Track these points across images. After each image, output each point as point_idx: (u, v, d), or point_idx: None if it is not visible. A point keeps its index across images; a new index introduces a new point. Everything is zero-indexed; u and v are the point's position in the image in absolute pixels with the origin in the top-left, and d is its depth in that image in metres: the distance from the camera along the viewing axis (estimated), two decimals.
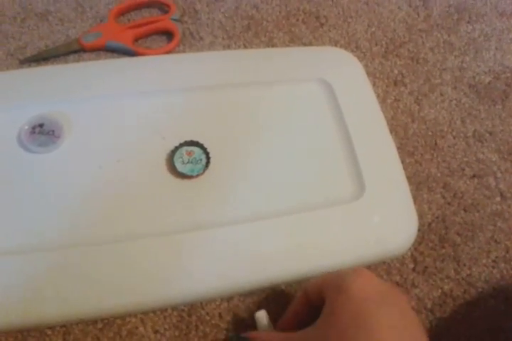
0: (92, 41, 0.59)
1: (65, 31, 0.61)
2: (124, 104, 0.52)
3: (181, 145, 0.50)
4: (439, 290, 0.49)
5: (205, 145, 0.50)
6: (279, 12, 0.65)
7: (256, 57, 0.59)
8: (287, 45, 0.63)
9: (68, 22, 0.62)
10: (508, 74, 0.64)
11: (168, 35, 0.62)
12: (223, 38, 0.63)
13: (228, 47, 0.62)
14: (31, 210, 0.46)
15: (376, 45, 0.64)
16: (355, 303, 0.34)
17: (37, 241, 0.44)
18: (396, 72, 0.62)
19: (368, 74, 0.59)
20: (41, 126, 0.50)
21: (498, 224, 0.53)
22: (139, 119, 0.52)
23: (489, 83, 0.63)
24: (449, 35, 0.66)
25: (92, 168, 0.49)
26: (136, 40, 0.61)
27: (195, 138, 0.50)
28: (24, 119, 0.49)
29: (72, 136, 0.50)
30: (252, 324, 0.43)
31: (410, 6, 0.68)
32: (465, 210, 0.53)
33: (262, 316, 0.41)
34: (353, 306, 0.34)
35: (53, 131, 0.49)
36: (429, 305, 0.48)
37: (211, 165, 0.49)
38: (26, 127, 0.49)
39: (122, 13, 0.63)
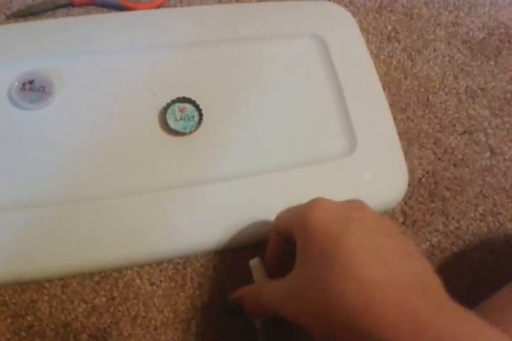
0: None
1: None
2: (115, 60, 0.52)
3: (173, 101, 0.50)
4: (428, 243, 0.50)
5: (198, 102, 0.50)
6: None
7: (248, 11, 0.58)
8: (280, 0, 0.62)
9: None
10: (502, 30, 0.63)
11: None
12: None
13: (220, 1, 0.61)
14: (23, 167, 0.46)
15: (370, 0, 0.63)
16: (319, 239, 0.33)
17: (32, 197, 0.45)
18: (390, 27, 0.62)
19: (362, 29, 0.58)
20: (31, 82, 0.49)
21: (487, 179, 0.54)
22: (131, 76, 0.52)
23: (483, 39, 0.62)
24: None
25: (85, 124, 0.49)
26: None
27: (187, 95, 0.50)
28: (13, 76, 0.49)
29: (63, 92, 0.50)
30: (246, 273, 0.44)
31: None
32: (455, 165, 0.54)
33: (256, 264, 0.42)
34: (318, 242, 0.33)
35: (44, 87, 0.49)
36: None
37: (204, 122, 0.49)
38: (16, 83, 0.48)
39: None
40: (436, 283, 0.31)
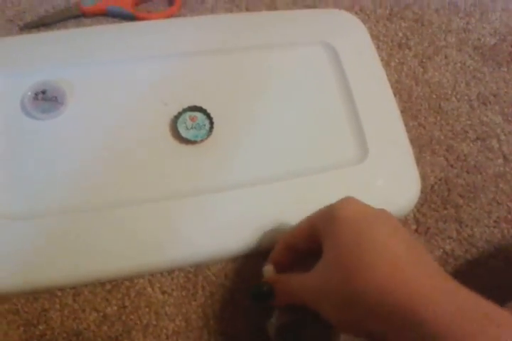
0: (92, 6, 0.58)
1: None
2: (126, 70, 0.52)
3: (184, 110, 0.50)
4: (441, 250, 0.50)
5: (209, 111, 0.50)
6: None
7: (259, 20, 0.59)
8: (290, 8, 0.62)
9: None
10: None
11: None
12: (225, 1, 0.62)
13: (230, 10, 0.61)
14: (34, 176, 0.46)
15: (380, 7, 0.63)
16: (350, 226, 0.35)
17: (44, 206, 0.45)
18: (400, 34, 0.62)
19: (372, 37, 0.59)
20: (44, 92, 0.50)
21: (500, 185, 0.53)
22: (142, 85, 0.52)
23: (494, 45, 0.62)
24: None
25: (96, 134, 0.49)
26: (136, 4, 0.60)
27: (198, 104, 0.50)
28: (26, 86, 0.49)
29: (74, 102, 0.50)
30: (258, 281, 0.44)
31: None
32: (468, 172, 0.54)
33: (269, 270, 0.42)
34: (348, 229, 0.35)
35: (56, 97, 0.50)
36: None
37: (215, 131, 0.49)
38: (29, 93, 0.49)
39: None
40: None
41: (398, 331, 0.31)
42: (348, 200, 0.38)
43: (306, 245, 0.40)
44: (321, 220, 0.38)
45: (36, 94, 0.49)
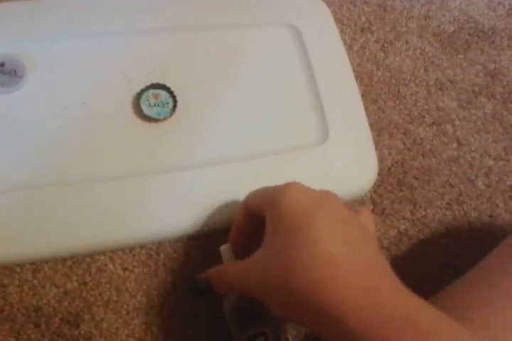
0: None
1: None
2: (89, 45, 0.51)
3: (148, 88, 0.49)
4: (396, 230, 0.52)
5: (172, 89, 0.50)
6: None
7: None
8: None
9: None
10: (472, 25, 0.65)
11: None
12: None
13: None
14: None
15: None
16: (290, 219, 0.34)
17: (3, 181, 0.44)
18: (363, 19, 0.63)
19: (336, 20, 0.59)
20: (2, 65, 0.48)
21: (454, 169, 0.55)
22: (105, 60, 0.51)
23: (453, 32, 0.64)
24: None
25: (57, 109, 0.48)
26: None
27: (161, 81, 0.50)
28: None
29: (35, 76, 0.49)
30: (218, 259, 0.44)
31: None
32: (423, 156, 0.55)
33: (226, 249, 0.42)
34: (288, 222, 0.34)
35: (15, 70, 0.48)
36: (385, 244, 0.51)
37: (178, 109, 0.49)
38: None
39: None
40: (389, 269, 0.34)
41: (327, 330, 0.32)
42: (291, 187, 0.37)
43: (254, 227, 0.40)
44: (265, 204, 0.37)
45: None
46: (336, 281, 0.31)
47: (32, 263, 0.44)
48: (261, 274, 0.35)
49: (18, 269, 0.44)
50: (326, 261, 0.32)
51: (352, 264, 0.32)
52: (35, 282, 0.44)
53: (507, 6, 0.67)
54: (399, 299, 0.31)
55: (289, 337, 0.45)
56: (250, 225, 0.41)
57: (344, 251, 0.33)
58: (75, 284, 0.44)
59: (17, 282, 0.43)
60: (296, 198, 0.35)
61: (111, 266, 0.45)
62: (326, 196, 0.37)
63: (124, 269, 0.45)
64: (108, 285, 0.45)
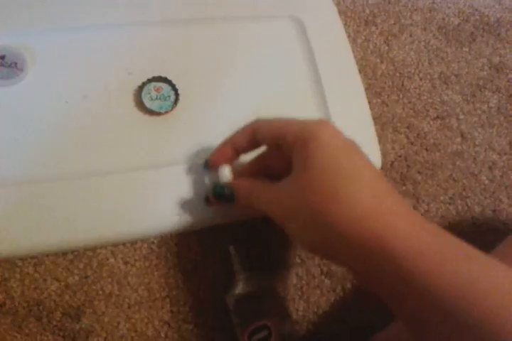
0: None
1: None
2: (90, 37, 0.51)
3: (149, 81, 0.49)
4: None
5: (174, 82, 0.49)
6: None
7: None
8: None
9: None
10: (477, 17, 0.64)
11: None
12: None
13: None
14: None
15: None
16: (328, 150, 0.34)
17: (3, 175, 0.44)
18: (367, 11, 0.62)
19: (340, 12, 0.59)
20: (3, 57, 0.48)
21: (457, 163, 0.55)
22: (106, 53, 0.51)
23: (458, 25, 0.63)
24: None
25: (57, 102, 0.48)
26: None
27: (163, 74, 0.49)
28: None
29: (36, 69, 0.48)
30: (220, 253, 0.45)
31: None
32: (427, 150, 0.55)
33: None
34: (327, 153, 0.34)
35: (16, 63, 0.48)
36: None
37: (180, 103, 0.49)
38: None
39: None
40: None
41: (364, 263, 0.33)
42: (326, 124, 0.36)
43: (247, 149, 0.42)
44: (294, 139, 0.36)
45: None
46: (384, 213, 0.32)
47: (33, 257, 0.44)
48: (293, 201, 0.35)
49: (19, 263, 0.44)
50: (372, 195, 0.33)
51: (396, 200, 0.34)
52: (37, 276, 0.44)
53: None
54: (447, 237, 0.33)
55: (292, 331, 0.46)
56: (244, 148, 0.42)
57: (385, 186, 0.34)
58: (77, 278, 0.44)
59: (18, 276, 0.43)
60: (334, 135, 0.36)
61: (112, 260, 0.45)
62: (353, 141, 0.37)
63: (126, 263, 0.45)
64: (109, 279, 0.44)
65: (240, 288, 0.42)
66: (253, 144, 0.41)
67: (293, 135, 0.36)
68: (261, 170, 0.42)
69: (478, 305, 0.29)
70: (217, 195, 0.42)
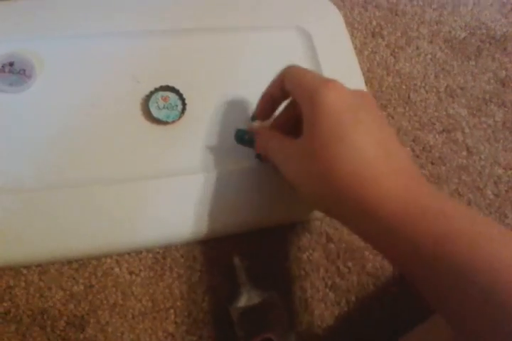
0: None
1: None
2: (99, 45, 0.51)
3: (157, 90, 0.49)
4: None
5: (182, 92, 0.49)
6: None
7: (235, 1, 0.58)
8: None
9: None
10: (484, 31, 0.64)
11: None
12: None
13: None
14: (0, 151, 0.45)
15: None
16: (331, 117, 0.36)
17: (9, 182, 0.44)
18: (374, 23, 0.62)
19: (347, 24, 0.59)
20: (11, 64, 0.48)
21: (463, 177, 0.55)
22: (114, 61, 0.51)
23: (464, 39, 0.64)
24: None
25: (65, 110, 0.48)
26: None
27: (170, 84, 0.50)
28: None
29: (44, 76, 0.49)
30: (225, 264, 0.45)
31: None
32: (432, 163, 0.55)
33: (239, 261, 0.43)
34: (330, 119, 0.36)
35: (24, 70, 0.48)
36: None
37: (187, 112, 0.49)
38: None
39: None
40: (419, 172, 0.39)
41: (358, 223, 0.36)
42: (334, 85, 0.37)
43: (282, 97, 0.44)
44: (303, 96, 0.38)
45: (3, 66, 0.48)
46: (377, 180, 0.34)
47: (38, 265, 0.44)
48: (302, 162, 0.37)
49: (24, 271, 0.44)
50: (367, 164, 0.35)
51: (388, 165, 0.35)
52: (42, 284, 0.44)
53: None
54: (431, 196, 0.34)
55: None
56: (279, 97, 0.44)
57: (381, 154, 0.35)
58: (81, 287, 0.44)
59: (23, 284, 0.43)
60: (338, 98, 0.36)
61: (117, 270, 0.45)
62: (364, 96, 0.38)
63: (131, 273, 0.45)
64: (114, 289, 0.44)
65: (244, 301, 0.42)
66: (285, 93, 0.43)
67: (302, 92, 0.39)
68: (288, 122, 0.44)
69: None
70: (239, 139, 0.47)
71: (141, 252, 0.46)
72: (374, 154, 0.35)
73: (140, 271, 0.45)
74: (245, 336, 0.42)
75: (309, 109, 0.37)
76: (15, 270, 0.44)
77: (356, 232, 0.37)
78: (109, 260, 0.45)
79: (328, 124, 0.36)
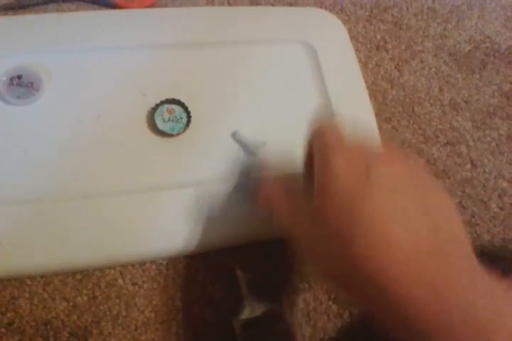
0: None
1: None
2: (105, 58, 0.52)
3: (162, 102, 0.50)
4: None
5: (186, 104, 0.50)
6: None
7: (240, 15, 0.59)
8: (272, 4, 0.63)
9: None
10: (488, 44, 0.65)
11: None
12: None
13: (212, 3, 0.61)
14: (7, 163, 0.46)
15: (361, 8, 0.64)
16: (340, 191, 0.31)
17: (15, 194, 0.45)
18: (379, 37, 0.63)
19: (351, 37, 0.59)
20: (20, 77, 0.49)
21: (467, 190, 0.55)
22: (120, 74, 0.52)
23: (469, 52, 0.64)
24: (433, 2, 0.67)
25: (71, 122, 0.49)
26: None
27: (176, 97, 0.50)
28: (2, 70, 0.48)
29: (51, 89, 0.50)
30: (228, 276, 0.45)
31: None
32: (436, 176, 0.55)
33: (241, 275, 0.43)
34: (339, 194, 0.31)
35: (32, 83, 0.49)
36: None
37: (191, 125, 0.50)
38: (4, 78, 0.48)
39: None
40: (461, 241, 0.31)
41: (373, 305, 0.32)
42: (339, 154, 0.33)
43: None
44: (315, 151, 0.35)
45: (12, 79, 0.49)
46: (395, 262, 0.29)
47: (43, 276, 0.44)
48: (315, 235, 0.33)
49: (28, 282, 0.44)
50: (384, 243, 0.30)
51: (412, 244, 0.30)
52: (45, 295, 0.44)
53: None
54: (458, 288, 0.29)
55: None
56: None
57: (404, 231, 0.30)
58: (85, 298, 0.44)
59: (27, 295, 0.44)
60: (346, 169, 0.32)
61: (120, 281, 0.45)
62: (379, 159, 0.33)
63: (134, 284, 0.45)
64: (117, 300, 0.45)
65: (246, 313, 0.42)
66: None
67: (315, 157, 0.35)
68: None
69: None
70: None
71: (144, 263, 0.46)
72: (391, 230, 0.30)
73: (143, 282, 0.45)
74: None
75: (320, 167, 0.33)
76: (19, 281, 0.44)
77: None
78: (112, 271, 0.46)
79: (337, 196, 0.31)
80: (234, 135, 0.48)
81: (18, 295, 0.44)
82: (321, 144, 0.35)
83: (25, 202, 0.44)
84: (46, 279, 0.44)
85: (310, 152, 0.38)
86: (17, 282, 0.44)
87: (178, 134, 0.49)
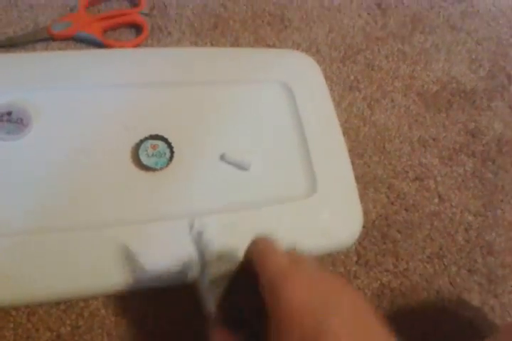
0: (61, 30, 0.60)
1: (34, 18, 0.61)
2: (91, 96, 0.54)
3: (146, 138, 0.52)
4: (378, 282, 0.54)
5: (170, 140, 0.52)
6: (246, 12, 0.68)
7: (221, 56, 0.62)
8: (252, 46, 0.66)
9: (38, 9, 0.62)
10: (454, 85, 0.69)
11: (137, 28, 0.64)
12: (191, 35, 0.65)
13: (195, 43, 0.64)
14: None
15: (335, 50, 0.68)
16: (296, 321, 0.31)
17: (3, 227, 0.46)
18: (352, 77, 0.66)
19: (326, 78, 0.63)
20: (9, 114, 0.50)
21: (435, 223, 0.58)
22: (106, 111, 0.54)
23: (436, 92, 0.68)
24: (402, 44, 0.71)
25: (58, 157, 0.50)
26: (105, 31, 0.62)
27: (160, 133, 0.53)
28: None
29: (39, 124, 0.51)
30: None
31: (369, 14, 0.72)
32: (406, 210, 0.58)
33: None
34: (296, 324, 0.31)
35: (22, 119, 0.50)
36: (368, 295, 0.53)
37: (174, 159, 0.52)
38: None
39: (92, 3, 0.64)
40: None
41: None
42: (293, 281, 0.32)
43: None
44: (264, 287, 0.33)
45: (2, 116, 0.50)
46: None
47: (27, 307, 0.45)
48: None
49: (13, 312, 0.45)
50: None
51: None
52: (29, 325, 0.45)
53: (487, 69, 0.71)
54: None
55: None
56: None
57: None
58: (68, 328, 0.45)
59: (12, 325, 0.45)
60: (300, 296, 0.31)
61: (103, 311, 0.46)
62: (332, 286, 0.34)
63: (116, 315, 0.47)
64: (100, 330, 0.46)
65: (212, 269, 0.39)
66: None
67: (264, 285, 0.33)
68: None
69: None
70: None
71: (127, 294, 0.47)
72: None
73: (125, 312, 0.47)
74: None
75: (270, 303, 0.32)
76: (4, 311, 0.45)
77: None
78: (95, 302, 0.47)
79: (294, 330, 0.30)
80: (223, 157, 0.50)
81: (3, 326, 0.44)
82: (272, 277, 0.33)
83: (9, 234, 0.45)
84: (31, 310, 0.45)
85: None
86: (2, 312, 0.45)
87: (161, 168, 0.51)
